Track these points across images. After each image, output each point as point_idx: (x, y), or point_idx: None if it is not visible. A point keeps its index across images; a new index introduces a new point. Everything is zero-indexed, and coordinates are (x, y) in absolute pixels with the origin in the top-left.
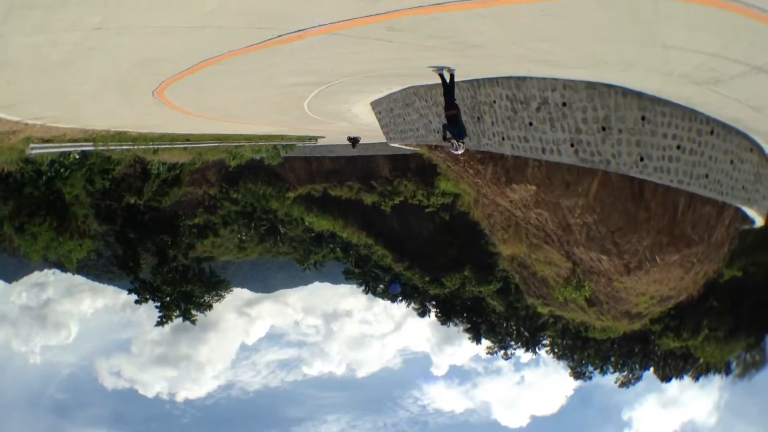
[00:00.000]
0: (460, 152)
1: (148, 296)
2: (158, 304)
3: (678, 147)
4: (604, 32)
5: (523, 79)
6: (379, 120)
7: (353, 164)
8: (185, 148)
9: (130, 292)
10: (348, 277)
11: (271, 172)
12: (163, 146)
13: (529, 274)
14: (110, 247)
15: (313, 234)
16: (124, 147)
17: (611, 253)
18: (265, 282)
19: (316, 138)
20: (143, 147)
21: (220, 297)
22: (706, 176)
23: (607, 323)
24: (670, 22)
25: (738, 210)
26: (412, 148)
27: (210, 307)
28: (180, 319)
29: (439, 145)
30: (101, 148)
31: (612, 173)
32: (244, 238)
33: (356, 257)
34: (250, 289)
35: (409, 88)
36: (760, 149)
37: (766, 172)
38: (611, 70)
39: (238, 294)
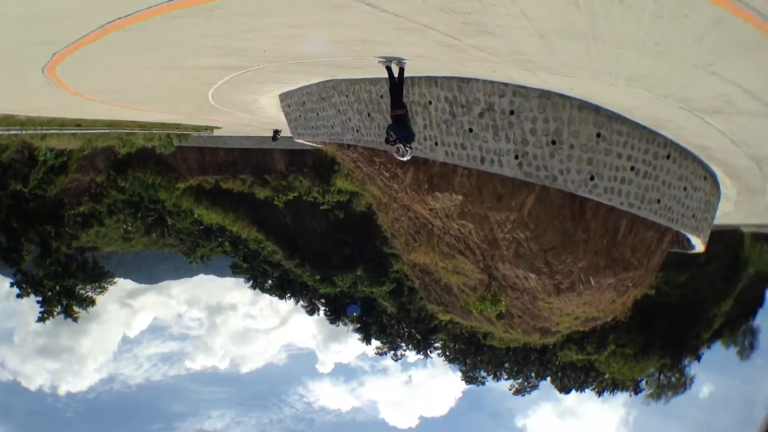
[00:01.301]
0: (406, 158)
1: (30, 290)
2: (40, 298)
3: (632, 169)
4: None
5: (468, 80)
6: (287, 114)
7: (247, 157)
8: (75, 134)
9: (12, 285)
10: (236, 271)
11: (162, 161)
12: (51, 131)
13: (431, 281)
14: None
15: (201, 227)
16: (11, 132)
17: (541, 273)
18: (149, 273)
19: (212, 128)
20: (31, 132)
21: (103, 289)
22: (658, 201)
23: (516, 336)
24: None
25: (677, 234)
26: (316, 145)
27: (93, 302)
28: (62, 316)
29: (352, 145)
30: None
31: (551, 189)
32: (129, 228)
33: (245, 252)
34: (134, 279)
35: (327, 81)
36: (714, 178)
37: (714, 201)
38: (583, 81)
39: (121, 285)
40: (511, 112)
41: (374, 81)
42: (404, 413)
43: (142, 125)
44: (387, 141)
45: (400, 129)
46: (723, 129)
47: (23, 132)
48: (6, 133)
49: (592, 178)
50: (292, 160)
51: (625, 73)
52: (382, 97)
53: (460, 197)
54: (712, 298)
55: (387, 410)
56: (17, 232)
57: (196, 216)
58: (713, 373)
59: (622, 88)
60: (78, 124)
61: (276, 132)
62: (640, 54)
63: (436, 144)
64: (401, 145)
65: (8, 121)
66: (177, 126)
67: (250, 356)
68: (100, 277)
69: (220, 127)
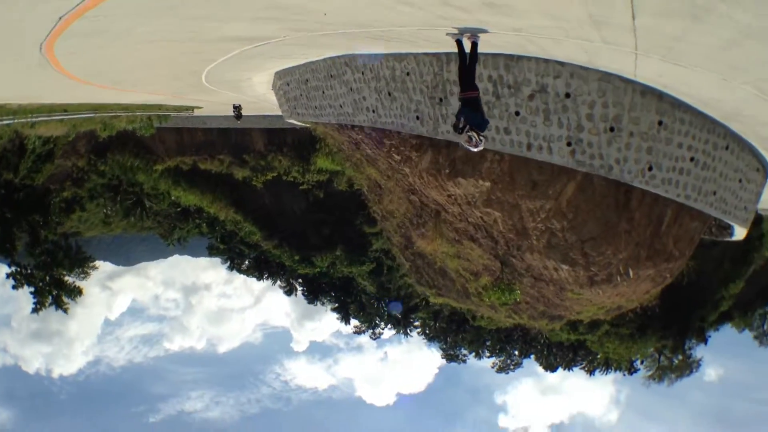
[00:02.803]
0: (480, 148)
1: (23, 282)
2: (32, 290)
3: (692, 159)
4: None
5: (518, 58)
6: (285, 91)
7: (226, 137)
8: (62, 120)
9: (8, 277)
10: (212, 252)
11: (141, 143)
12: (40, 119)
13: (424, 264)
14: None
15: (179, 208)
16: (4, 122)
17: (576, 264)
18: (126, 255)
19: (192, 108)
20: (23, 120)
21: (87, 274)
22: (714, 193)
23: (519, 321)
24: None
25: (716, 221)
26: (304, 125)
27: (80, 293)
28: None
29: (357, 126)
30: None
31: (595, 177)
32: (109, 212)
33: (222, 233)
34: (112, 262)
35: (339, 56)
36: (766, 170)
37: (761, 191)
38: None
39: (100, 267)
40: (567, 95)
41: (400, 57)
42: (381, 390)
43: (126, 107)
44: (455, 128)
45: (473, 114)
46: None
47: (15, 121)
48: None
49: (650, 168)
50: (271, 140)
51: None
52: (408, 74)
53: (488, 184)
54: (719, 279)
55: (363, 387)
56: (9, 223)
57: (173, 198)
58: (723, 356)
59: (732, 83)
60: (65, 109)
61: (237, 109)
62: None
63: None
64: (474, 133)
65: (2, 110)
66: (159, 107)
67: (226, 336)
68: (83, 262)
69: (201, 107)
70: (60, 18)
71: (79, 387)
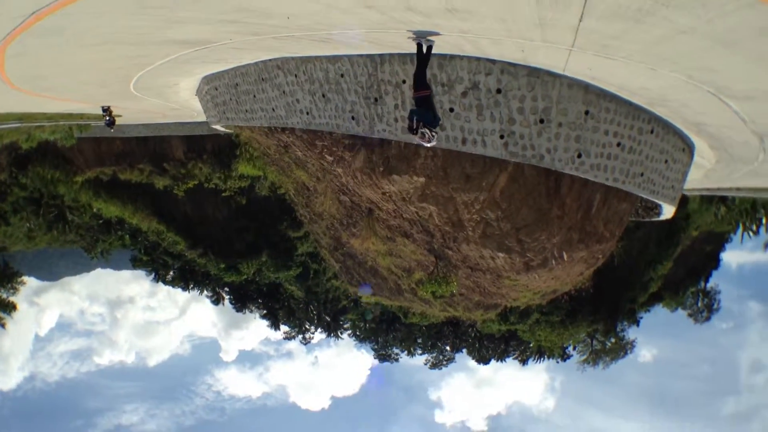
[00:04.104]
0: (432, 144)
1: None
2: None
3: (618, 144)
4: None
5: (450, 57)
6: (212, 96)
7: (145, 146)
8: None
9: None
10: (136, 264)
11: (60, 154)
12: None
13: (354, 264)
14: None
15: (101, 221)
16: None
17: (512, 251)
18: (48, 270)
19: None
20: None
21: (15, 290)
22: (641, 175)
23: (454, 314)
24: None
25: (644, 202)
26: (228, 130)
27: (14, 308)
28: None
29: (288, 129)
30: None
31: (525, 167)
32: (32, 226)
33: (145, 244)
34: (36, 277)
35: (271, 60)
36: (691, 150)
37: (687, 171)
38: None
39: (27, 283)
40: (498, 91)
41: (334, 59)
42: (315, 395)
43: (51, 117)
44: (410, 129)
45: (425, 112)
46: (740, 110)
47: None
48: None
49: (579, 156)
50: (190, 147)
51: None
52: (342, 76)
53: (422, 179)
54: (646, 261)
55: (297, 393)
56: None
57: (95, 210)
58: (657, 337)
59: (661, 72)
60: None
61: (106, 112)
62: (710, 44)
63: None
64: (427, 130)
65: None
66: (81, 116)
67: (154, 348)
68: (11, 277)
69: (120, 116)
70: (33, 13)
71: (19, 402)
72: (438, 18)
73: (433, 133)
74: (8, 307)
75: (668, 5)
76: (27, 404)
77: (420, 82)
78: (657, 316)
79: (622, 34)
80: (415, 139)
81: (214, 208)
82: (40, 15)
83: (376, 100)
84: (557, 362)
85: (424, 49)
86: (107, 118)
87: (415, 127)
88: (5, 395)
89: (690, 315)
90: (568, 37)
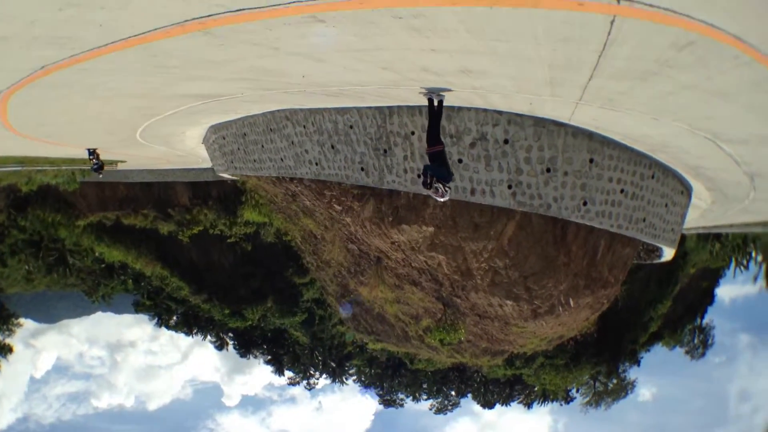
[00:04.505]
0: (445, 198)
1: None
2: None
3: (621, 191)
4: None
5: (458, 109)
6: (220, 145)
7: (149, 191)
8: None
9: None
10: (139, 309)
11: (62, 198)
12: None
13: (361, 311)
14: None
15: (103, 265)
16: None
17: (520, 299)
18: (47, 312)
19: (117, 162)
20: None
21: (11, 331)
22: (644, 220)
23: (462, 360)
24: None
25: (645, 245)
26: (234, 177)
27: (11, 350)
28: None
29: (296, 178)
30: None
31: (532, 215)
32: (31, 269)
33: (149, 289)
34: (33, 319)
35: (279, 111)
36: (689, 192)
37: (686, 212)
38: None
39: (24, 325)
40: (506, 141)
41: (343, 111)
42: None
43: (53, 161)
44: (424, 185)
45: (439, 167)
46: (734, 153)
47: None
48: None
49: (585, 204)
50: (195, 193)
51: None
52: (351, 127)
53: (431, 229)
54: (646, 301)
55: None
56: None
57: (97, 254)
58: (655, 375)
59: (663, 122)
60: None
61: (93, 155)
62: (709, 97)
63: (419, 176)
64: (440, 185)
65: None
66: (84, 161)
67: (155, 393)
68: (7, 319)
69: (125, 161)
70: (42, 67)
71: None
72: (451, 77)
73: (447, 188)
74: (3, 350)
75: (673, 67)
76: None
77: (433, 137)
78: (656, 355)
79: (628, 91)
80: (430, 193)
81: (219, 253)
82: (49, 70)
83: (385, 151)
84: (561, 405)
85: (435, 104)
86: (95, 162)
87: (429, 182)
88: None
89: (687, 352)
90: (576, 93)
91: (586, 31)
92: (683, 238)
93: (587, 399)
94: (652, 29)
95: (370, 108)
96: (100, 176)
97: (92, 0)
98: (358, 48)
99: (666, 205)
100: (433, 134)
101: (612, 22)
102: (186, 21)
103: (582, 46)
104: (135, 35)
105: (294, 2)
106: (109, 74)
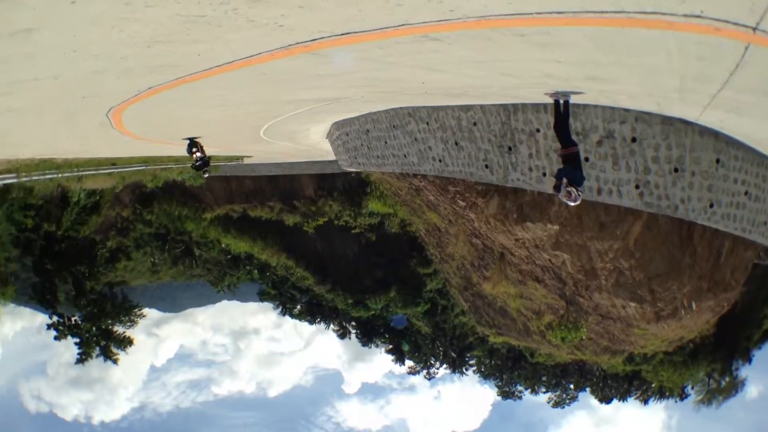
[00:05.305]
0: (577, 203)
1: (67, 333)
2: (77, 340)
3: (746, 193)
4: None
5: (584, 106)
6: (344, 141)
7: (275, 184)
8: (110, 173)
9: (49, 327)
10: (263, 298)
11: (188, 192)
12: (88, 172)
13: (484, 304)
14: (26, 269)
15: (229, 256)
16: (48, 176)
17: (643, 301)
18: (172, 302)
19: (242, 157)
20: (68, 174)
21: (134, 323)
22: (765, 223)
23: (582, 357)
24: None
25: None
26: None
27: (131, 342)
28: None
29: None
30: (24, 179)
31: (659, 216)
32: (156, 261)
33: (273, 279)
34: (158, 308)
35: (402, 108)
36: None
37: None
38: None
39: (148, 315)
40: (633, 140)
41: (466, 108)
42: (435, 429)
43: (177, 159)
44: (556, 188)
45: (573, 170)
46: None
47: (59, 176)
48: (43, 177)
49: (711, 206)
50: (321, 185)
51: None
52: (475, 124)
53: (556, 227)
54: (762, 299)
55: (417, 427)
56: (51, 274)
57: (223, 246)
58: (762, 373)
59: None
60: (113, 162)
61: (196, 148)
62: None
63: (544, 175)
64: (573, 189)
65: (45, 165)
66: (211, 157)
67: (276, 379)
68: (130, 310)
69: (250, 156)
70: (149, 88)
71: None
72: (577, 82)
73: (579, 192)
74: (123, 343)
75: None
76: None
77: (565, 138)
78: (764, 353)
79: (755, 101)
80: (561, 197)
81: (343, 244)
82: (157, 90)
83: (510, 149)
84: (675, 402)
85: (561, 105)
86: (198, 157)
87: (562, 185)
88: (106, 426)
89: None
90: (705, 100)
91: (720, 52)
92: None
93: (700, 397)
94: None
95: (494, 105)
96: (206, 175)
97: (184, 36)
98: (476, 60)
99: None
100: (566, 135)
101: (746, 48)
102: (290, 45)
103: (714, 64)
104: (238, 59)
105: (404, 24)
106: (220, 89)
